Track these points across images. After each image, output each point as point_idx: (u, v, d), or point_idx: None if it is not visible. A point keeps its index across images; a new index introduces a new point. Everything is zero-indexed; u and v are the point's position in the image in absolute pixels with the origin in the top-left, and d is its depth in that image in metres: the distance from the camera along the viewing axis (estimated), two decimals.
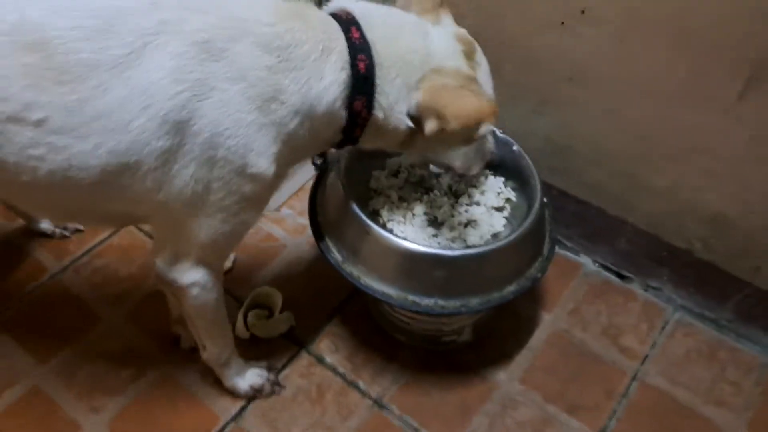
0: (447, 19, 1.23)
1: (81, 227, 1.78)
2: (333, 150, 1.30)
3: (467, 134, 1.14)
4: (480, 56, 1.23)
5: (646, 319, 1.66)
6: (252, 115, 1.02)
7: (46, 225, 1.75)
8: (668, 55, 1.35)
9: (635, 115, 1.47)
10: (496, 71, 1.26)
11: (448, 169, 1.38)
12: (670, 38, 1.33)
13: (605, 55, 1.42)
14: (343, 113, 1.12)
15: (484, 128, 1.18)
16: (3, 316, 1.60)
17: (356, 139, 1.19)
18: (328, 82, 1.07)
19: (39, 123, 0.95)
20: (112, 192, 1.03)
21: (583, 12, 1.39)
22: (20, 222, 1.77)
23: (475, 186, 1.49)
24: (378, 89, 1.11)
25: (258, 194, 1.11)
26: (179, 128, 0.99)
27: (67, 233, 1.77)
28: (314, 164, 1.41)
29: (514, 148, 1.47)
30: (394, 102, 1.13)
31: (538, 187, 1.40)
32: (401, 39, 1.13)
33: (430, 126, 1.09)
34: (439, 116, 1.08)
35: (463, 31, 1.23)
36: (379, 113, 1.13)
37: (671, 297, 1.69)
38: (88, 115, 0.95)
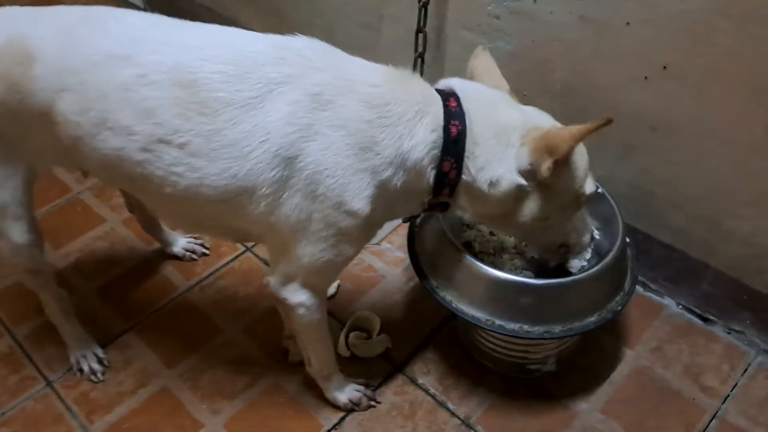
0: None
1: (207, 252, 2.02)
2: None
3: (577, 187, 1.27)
4: None
5: (727, 361, 1.71)
6: (349, 160, 1.17)
7: (178, 249, 1.99)
8: (746, 107, 1.44)
9: (715, 163, 1.56)
10: (583, 121, 1.36)
11: (560, 246, 1.44)
12: (747, 92, 1.42)
13: (686, 107, 1.52)
14: (431, 172, 1.22)
15: (590, 184, 1.31)
16: (139, 326, 1.83)
17: (446, 204, 1.30)
18: (418, 141, 1.20)
19: (182, 146, 1.16)
20: (232, 209, 1.22)
21: (665, 68, 1.51)
22: (156, 246, 2.02)
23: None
24: (468, 153, 1.21)
25: (353, 231, 1.24)
26: (288, 163, 1.16)
27: (195, 257, 2.00)
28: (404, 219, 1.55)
29: (599, 190, 1.57)
30: (486, 163, 1.22)
31: (621, 225, 1.51)
32: (497, 109, 1.26)
33: (546, 165, 1.18)
34: (550, 151, 1.17)
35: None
36: (467, 177, 1.23)
37: (754, 341, 1.73)
38: (219, 143, 1.15)
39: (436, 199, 1.28)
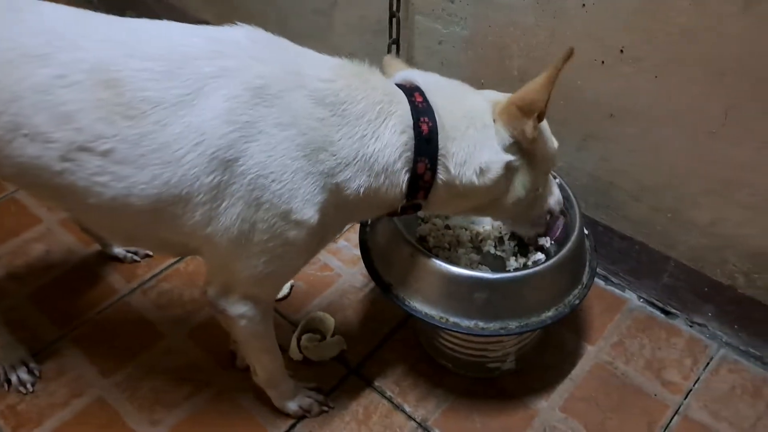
0: None
1: (150, 253, 1.91)
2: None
3: (551, 144, 1.26)
4: None
5: (690, 355, 1.67)
6: (298, 163, 1.06)
7: (118, 250, 1.89)
8: (704, 91, 1.39)
9: (674, 150, 1.51)
10: None
11: (547, 213, 1.40)
12: (706, 74, 1.37)
13: (643, 91, 1.47)
14: (405, 176, 1.15)
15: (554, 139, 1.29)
16: (75, 332, 1.72)
17: (418, 206, 1.23)
18: (386, 144, 1.11)
19: (106, 153, 1.04)
20: (165, 220, 1.10)
21: (622, 51, 1.45)
22: (96, 247, 1.91)
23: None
24: (441, 151, 1.15)
25: (303, 241, 1.13)
26: (227, 166, 1.05)
27: (137, 258, 1.89)
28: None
29: (556, 180, 1.52)
30: (468, 155, 1.16)
31: (578, 217, 1.45)
32: (462, 97, 1.21)
33: (529, 126, 1.14)
34: (526, 111, 1.13)
35: None
36: (445, 175, 1.17)
37: (716, 333, 1.69)
38: (148, 148, 1.04)
39: (409, 202, 1.21)
